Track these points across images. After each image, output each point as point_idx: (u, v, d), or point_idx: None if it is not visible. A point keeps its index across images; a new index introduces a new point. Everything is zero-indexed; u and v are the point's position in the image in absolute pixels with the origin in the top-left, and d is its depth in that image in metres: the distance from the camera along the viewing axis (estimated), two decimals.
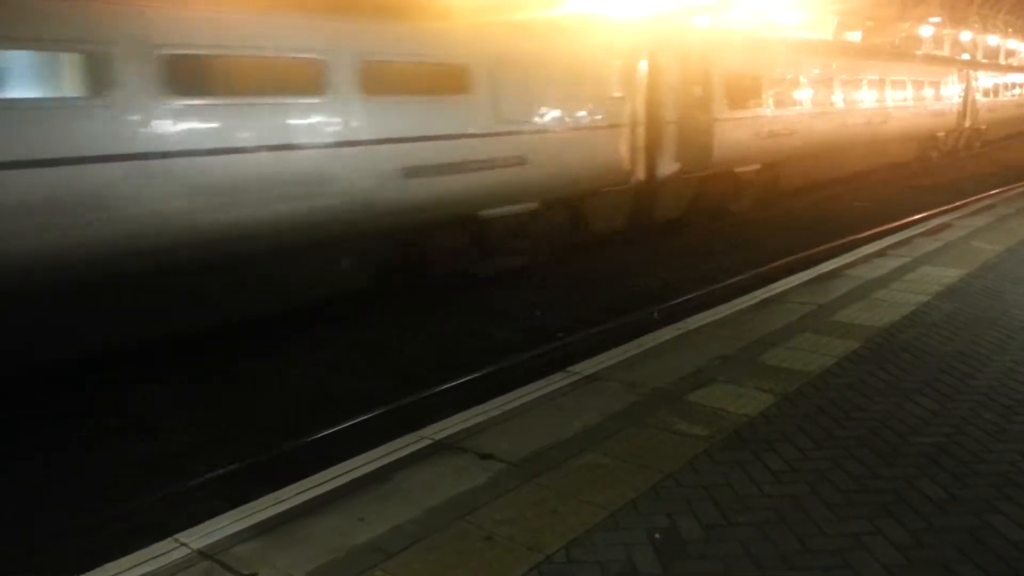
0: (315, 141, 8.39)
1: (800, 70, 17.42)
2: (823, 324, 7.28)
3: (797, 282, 9.05)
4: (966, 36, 40.62)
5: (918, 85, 23.85)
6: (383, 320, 9.55)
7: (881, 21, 33.18)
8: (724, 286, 10.62)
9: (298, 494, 4.37)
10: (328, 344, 8.84)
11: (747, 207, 16.28)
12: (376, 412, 6.78)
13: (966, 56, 35.85)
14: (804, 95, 17.49)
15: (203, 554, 3.85)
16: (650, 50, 12.94)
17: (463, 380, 7.42)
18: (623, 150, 12.38)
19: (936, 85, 25.44)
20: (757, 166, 15.83)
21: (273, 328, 8.74)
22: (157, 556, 3.88)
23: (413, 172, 9.21)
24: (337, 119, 8.54)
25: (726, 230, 15.12)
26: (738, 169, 15.36)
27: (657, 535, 3.91)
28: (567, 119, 11.36)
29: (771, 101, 16.11)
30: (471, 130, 9.98)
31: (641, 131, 12.71)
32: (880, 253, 10.57)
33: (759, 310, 7.89)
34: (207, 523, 4.13)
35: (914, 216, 15.27)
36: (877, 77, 21.10)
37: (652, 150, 13.02)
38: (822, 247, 12.58)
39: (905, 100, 22.97)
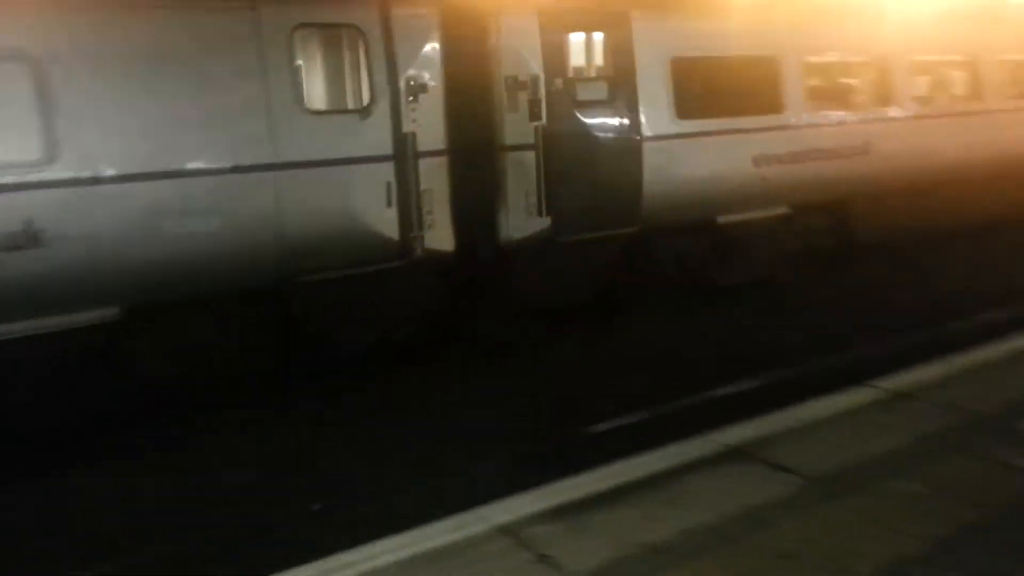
0: None
1: (876, 42, 10.68)
2: None
3: None
4: None
5: None
6: (664, 319, 9.41)
7: None
8: None
9: (591, 483, 4.49)
10: (607, 340, 8.89)
11: (758, 275, 10.01)
12: (660, 410, 6.76)
13: None
14: (896, 85, 10.79)
15: (503, 530, 4.08)
16: (446, 17, 7.60)
17: (754, 385, 7.14)
18: (374, 203, 7.20)
19: None
20: (780, 209, 9.90)
21: (566, 320, 8.90)
22: (461, 528, 4.17)
23: None
24: None
25: None
26: (727, 218, 9.48)
27: None
28: (193, 157, 6.45)
29: (801, 97, 9.89)
30: None
31: (437, 166, 7.50)
32: None
33: None
34: (507, 501, 4.37)
35: None
36: None
37: (476, 198, 7.92)
38: None
39: None
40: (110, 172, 6.15)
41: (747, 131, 9.43)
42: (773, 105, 9.67)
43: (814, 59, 10.18)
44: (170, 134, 6.37)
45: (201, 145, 6.49)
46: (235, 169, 6.57)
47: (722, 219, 9.38)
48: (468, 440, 6.53)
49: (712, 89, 9.15)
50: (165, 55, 6.36)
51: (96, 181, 6.11)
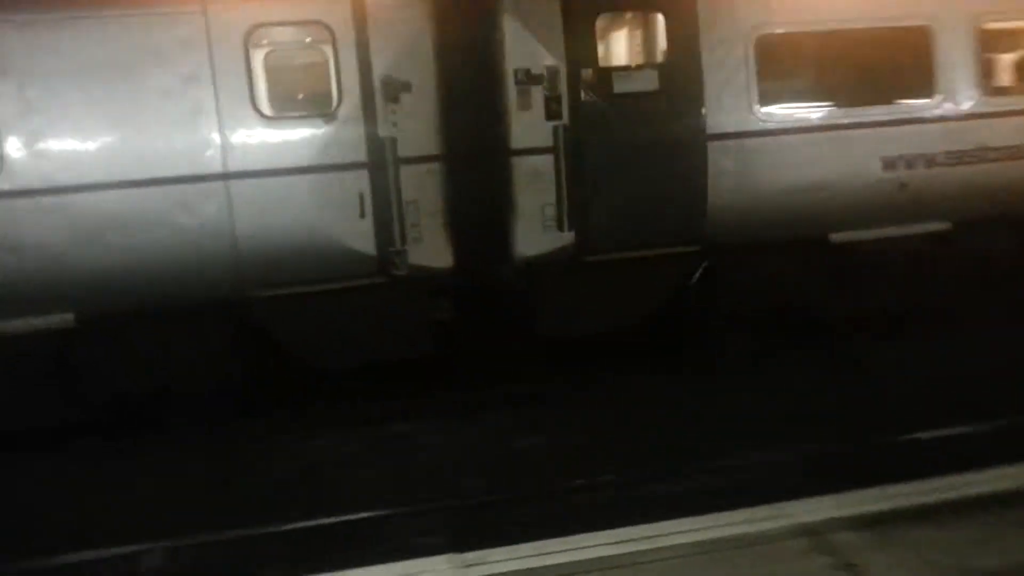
0: None
1: None
2: None
3: None
4: None
5: None
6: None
7: None
8: None
9: (907, 495, 4.12)
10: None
11: (890, 307, 7.94)
12: (995, 424, 6.02)
13: None
14: None
15: (806, 530, 3.88)
16: (438, 6, 6.83)
17: None
18: (343, 215, 6.70)
19: None
20: (931, 225, 7.73)
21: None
22: (759, 520, 4.03)
23: None
24: None
25: None
26: (843, 236, 7.62)
27: None
28: (139, 166, 6.38)
29: (970, 78, 7.61)
30: None
31: (426, 174, 6.81)
32: None
33: None
34: (809, 501, 4.16)
35: None
36: None
37: (477, 209, 7.03)
38: None
39: None
40: (53, 183, 6.23)
41: (873, 124, 7.50)
42: (919, 90, 7.65)
43: (997, 25, 7.90)
44: (115, 144, 6.34)
45: (147, 154, 6.39)
46: (181, 179, 6.45)
47: (837, 238, 7.64)
48: (762, 434, 6.34)
49: (817, 73, 7.62)
50: (109, 64, 6.30)
51: (39, 192, 6.21)
